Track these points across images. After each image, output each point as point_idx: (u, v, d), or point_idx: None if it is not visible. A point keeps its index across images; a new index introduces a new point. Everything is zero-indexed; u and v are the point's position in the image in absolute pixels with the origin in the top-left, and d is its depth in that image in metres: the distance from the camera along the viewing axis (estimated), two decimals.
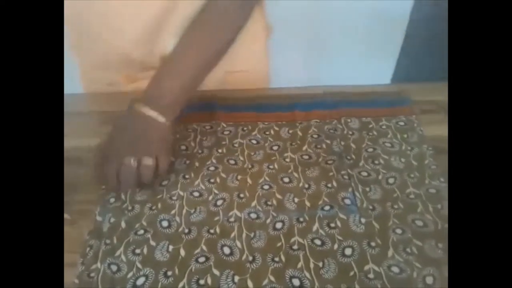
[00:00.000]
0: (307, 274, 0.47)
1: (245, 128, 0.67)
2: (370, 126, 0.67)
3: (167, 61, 0.61)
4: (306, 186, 0.58)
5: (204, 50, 0.61)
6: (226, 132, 0.66)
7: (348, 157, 0.62)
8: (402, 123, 0.68)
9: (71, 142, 0.66)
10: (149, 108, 0.57)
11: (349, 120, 0.68)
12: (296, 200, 0.56)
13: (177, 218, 0.53)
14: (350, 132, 0.66)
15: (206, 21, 0.62)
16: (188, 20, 0.62)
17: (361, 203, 0.55)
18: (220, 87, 0.76)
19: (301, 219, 0.53)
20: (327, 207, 0.54)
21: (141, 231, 0.52)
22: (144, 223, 0.53)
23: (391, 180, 0.58)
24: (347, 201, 0.55)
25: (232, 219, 0.53)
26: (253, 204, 0.55)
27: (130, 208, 0.55)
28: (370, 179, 0.58)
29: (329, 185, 0.58)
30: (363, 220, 0.53)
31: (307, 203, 0.55)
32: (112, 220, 0.53)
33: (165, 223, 0.53)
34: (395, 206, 0.55)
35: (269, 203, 0.55)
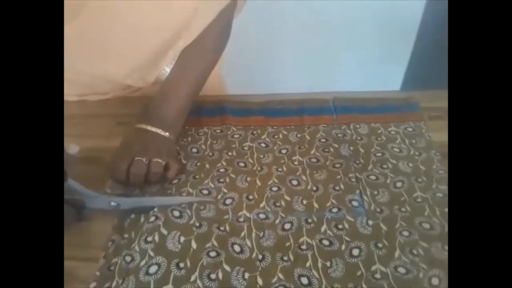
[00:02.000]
0: (315, 273, 0.49)
1: (254, 132, 0.69)
2: (379, 131, 0.69)
3: (163, 87, 0.68)
4: (314, 188, 0.59)
5: (195, 75, 0.69)
6: (236, 136, 0.68)
7: (357, 161, 0.63)
8: (410, 129, 0.69)
9: (88, 143, 0.68)
10: (152, 126, 0.62)
11: (358, 126, 0.70)
12: (304, 202, 0.57)
13: (188, 212, 0.55)
14: (359, 138, 0.67)
15: (195, 50, 0.69)
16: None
17: (369, 205, 0.56)
18: None
19: (309, 220, 0.54)
20: (335, 209, 0.56)
21: (152, 218, 0.54)
22: (155, 210, 0.55)
23: (399, 184, 0.59)
24: (355, 203, 0.57)
25: (241, 219, 0.55)
26: (262, 205, 0.57)
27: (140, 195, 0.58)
28: (378, 183, 0.60)
29: (337, 187, 0.59)
30: (370, 222, 0.54)
31: (315, 205, 0.57)
32: (133, 216, 0.55)
33: (176, 213, 0.54)
34: (403, 209, 0.56)
35: (277, 204, 0.57)
